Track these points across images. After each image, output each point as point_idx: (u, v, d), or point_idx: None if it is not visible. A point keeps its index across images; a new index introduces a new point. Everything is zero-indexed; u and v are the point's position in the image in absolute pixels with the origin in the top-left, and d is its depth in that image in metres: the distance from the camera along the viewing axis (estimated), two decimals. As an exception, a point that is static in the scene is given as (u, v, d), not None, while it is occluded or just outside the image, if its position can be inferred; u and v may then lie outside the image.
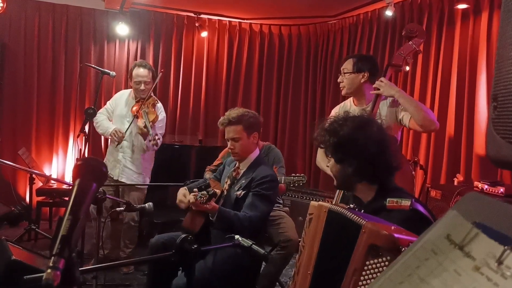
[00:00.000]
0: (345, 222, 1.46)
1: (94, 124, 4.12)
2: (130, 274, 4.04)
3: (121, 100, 4.19)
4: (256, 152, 2.92)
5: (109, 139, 4.18)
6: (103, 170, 0.96)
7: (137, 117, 3.95)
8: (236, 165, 2.95)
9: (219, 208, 2.59)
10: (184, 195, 2.84)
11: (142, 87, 4.01)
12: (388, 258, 1.28)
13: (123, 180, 4.08)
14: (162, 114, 4.16)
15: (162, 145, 5.29)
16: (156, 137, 3.85)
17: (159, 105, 4.17)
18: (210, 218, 2.61)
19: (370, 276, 1.31)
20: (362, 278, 1.32)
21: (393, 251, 1.26)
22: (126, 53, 5.92)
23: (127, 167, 4.08)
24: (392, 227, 1.35)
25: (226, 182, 2.95)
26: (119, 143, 4.00)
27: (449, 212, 0.56)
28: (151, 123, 3.90)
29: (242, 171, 2.90)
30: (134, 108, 4.03)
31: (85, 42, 5.76)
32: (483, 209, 0.54)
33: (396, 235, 1.28)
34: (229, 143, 2.88)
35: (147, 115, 3.92)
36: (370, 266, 1.31)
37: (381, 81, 2.70)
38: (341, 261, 1.42)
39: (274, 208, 3.73)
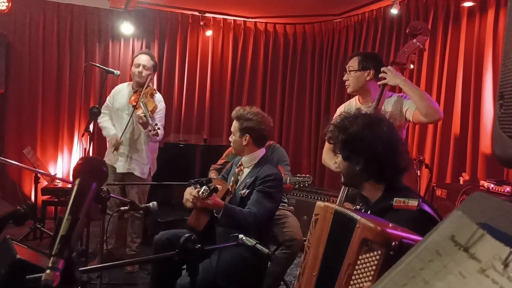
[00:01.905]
0: (349, 222, 1.45)
1: (99, 125, 4.14)
2: (135, 273, 4.04)
3: (120, 94, 4.20)
4: (260, 153, 2.92)
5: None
6: (104, 169, 0.95)
7: (136, 108, 3.94)
8: (240, 162, 2.97)
9: (224, 204, 2.59)
10: (190, 193, 2.84)
11: (140, 69, 4.03)
12: (379, 252, 1.28)
13: (127, 171, 4.08)
14: (161, 105, 4.14)
15: (167, 144, 5.32)
16: (156, 127, 3.80)
17: (158, 95, 4.17)
18: (215, 215, 2.61)
19: (362, 270, 1.31)
20: (355, 272, 1.32)
21: (384, 245, 1.26)
22: (131, 52, 5.92)
23: (131, 158, 4.08)
24: (390, 224, 1.35)
25: (232, 180, 2.96)
26: (116, 149, 4.03)
27: (453, 213, 0.55)
28: (150, 112, 3.88)
29: (245, 169, 2.91)
30: (133, 98, 4.03)
31: (90, 41, 5.77)
32: (488, 210, 0.52)
33: (388, 230, 1.28)
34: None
35: (145, 105, 3.90)
36: (362, 261, 1.32)
37: (388, 69, 2.68)
38: None
39: (278, 207, 3.73)
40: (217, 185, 2.63)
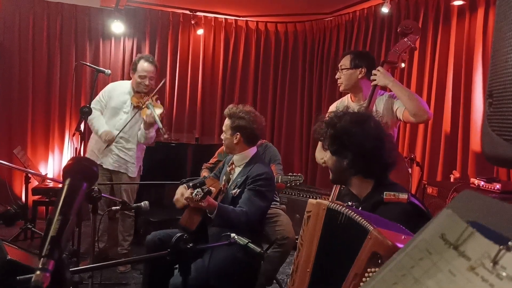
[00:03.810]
0: (347, 221, 1.44)
1: (88, 119, 4.07)
2: (127, 273, 4.02)
3: (115, 92, 4.12)
4: (251, 151, 2.91)
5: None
6: (94, 169, 0.95)
7: (142, 108, 3.94)
8: (231, 161, 2.96)
9: (218, 204, 2.58)
10: (182, 194, 2.84)
11: (147, 82, 3.99)
12: None
13: (115, 169, 4.05)
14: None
15: (158, 143, 5.30)
16: (166, 131, 3.95)
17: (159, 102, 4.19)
18: (209, 215, 2.60)
19: None
20: (361, 284, 1.31)
21: None
22: (122, 51, 5.90)
23: (120, 157, 4.05)
24: (403, 237, 1.31)
25: (223, 179, 2.95)
26: (108, 145, 3.98)
27: (443, 211, 0.55)
28: (159, 116, 3.92)
29: (237, 168, 2.90)
30: (135, 99, 4.00)
31: (80, 40, 5.73)
32: (478, 208, 0.53)
33: (400, 246, 1.25)
34: None
35: (153, 108, 3.93)
36: (371, 274, 1.30)
37: (378, 70, 2.71)
38: (341, 260, 1.42)
39: (270, 206, 3.73)
40: (210, 187, 2.61)
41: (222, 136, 2.94)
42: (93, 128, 4.08)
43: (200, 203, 2.49)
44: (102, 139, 4.00)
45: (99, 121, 4.06)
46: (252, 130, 2.86)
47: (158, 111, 3.96)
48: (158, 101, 4.16)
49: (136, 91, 4.05)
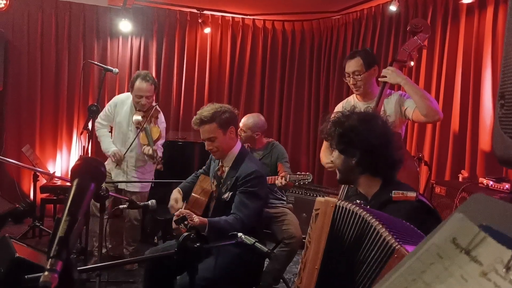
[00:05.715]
0: (358, 221, 1.43)
1: (96, 133, 4.08)
2: (134, 271, 4.04)
3: (122, 107, 4.12)
4: (237, 147, 2.78)
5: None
6: (102, 170, 0.95)
7: (141, 131, 3.93)
8: (220, 163, 2.84)
9: (208, 221, 2.48)
10: (176, 200, 2.82)
11: (143, 101, 3.95)
12: None
13: (128, 189, 4.08)
14: (162, 125, 4.15)
15: (166, 141, 5.31)
16: (161, 160, 3.88)
17: (161, 116, 4.17)
18: (202, 233, 2.52)
19: None
20: None
21: None
22: (129, 50, 5.91)
23: (133, 177, 4.08)
24: None
25: (213, 183, 2.85)
26: (117, 164, 4.02)
27: (455, 215, 0.54)
28: (154, 142, 3.91)
29: (226, 169, 2.78)
30: (135, 119, 3.99)
31: (88, 39, 5.76)
32: (490, 212, 0.52)
33: None
34: (206, 144, 2.75)
35: (150, 132, 3.91)
36: None
37: (388, 69, 2.68)
38: (350, 257, 1.43)
39: (277, 205, 3.73)
40: (193, 216, 2.44)
41: (211, 146, 2.73)
42: (102, 146, 4.12)
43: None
44: (112, 159, 4.03)
45: (107, 141, 4.10)
46: (237, 118, 2.80)
47: (155, 135, 3.96)
48: (159, 117, 4.13)
49: (136, 109, 4.05)
